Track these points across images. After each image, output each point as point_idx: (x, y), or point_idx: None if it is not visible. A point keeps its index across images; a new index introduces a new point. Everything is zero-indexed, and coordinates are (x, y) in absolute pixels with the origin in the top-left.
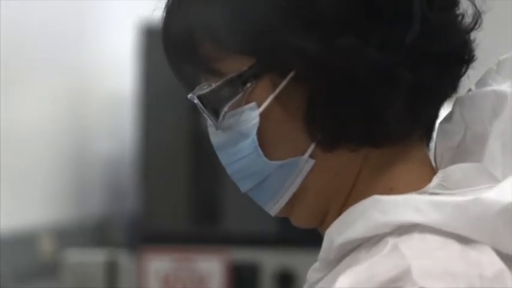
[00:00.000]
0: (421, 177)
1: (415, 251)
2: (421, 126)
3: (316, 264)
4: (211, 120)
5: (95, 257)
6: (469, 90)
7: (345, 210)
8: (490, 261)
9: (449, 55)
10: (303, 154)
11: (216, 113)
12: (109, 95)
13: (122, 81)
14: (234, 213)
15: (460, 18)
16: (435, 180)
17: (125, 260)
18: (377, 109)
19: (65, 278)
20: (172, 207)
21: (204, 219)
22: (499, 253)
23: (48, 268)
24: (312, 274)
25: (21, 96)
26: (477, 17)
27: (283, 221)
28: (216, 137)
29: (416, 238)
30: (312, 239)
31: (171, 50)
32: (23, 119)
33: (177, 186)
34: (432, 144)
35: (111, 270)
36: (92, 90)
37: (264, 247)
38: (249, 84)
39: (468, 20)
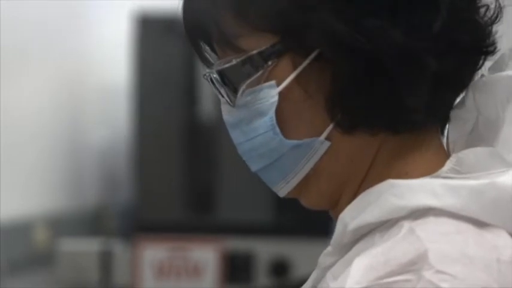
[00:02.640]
0: (436, 163)
1: (431, 235)
2: (439, 114)
3: (329, 249)
4: (228, 97)
5: (89, 246)
6: (482, 76)
7: (359, 194)
8: (507, 245)
9: (472, 46)
10: (319, 135)
11: (234, 90)
12: (104, 85)
13: (117, 71)
14: (229, 202)
15: (484, 10)
16: (448, 164)
17: (119, 249)
18: (400, 95)
19: (59, 267)
20: (166, 197)
21: (198, 208)
22: None
23: (42, 257)
24: (324, 259)
25: (16, 87)
26: (498, 9)
27: (277, 210)
28: (230, 114)
29: (432, 222)
30: (306, 228)
31: (191, 23)
32: (18, 110)
33: (172, 175)
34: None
35: (106, 260)
36: (86, 80)
37: (259, 236)
38: (270, 62)
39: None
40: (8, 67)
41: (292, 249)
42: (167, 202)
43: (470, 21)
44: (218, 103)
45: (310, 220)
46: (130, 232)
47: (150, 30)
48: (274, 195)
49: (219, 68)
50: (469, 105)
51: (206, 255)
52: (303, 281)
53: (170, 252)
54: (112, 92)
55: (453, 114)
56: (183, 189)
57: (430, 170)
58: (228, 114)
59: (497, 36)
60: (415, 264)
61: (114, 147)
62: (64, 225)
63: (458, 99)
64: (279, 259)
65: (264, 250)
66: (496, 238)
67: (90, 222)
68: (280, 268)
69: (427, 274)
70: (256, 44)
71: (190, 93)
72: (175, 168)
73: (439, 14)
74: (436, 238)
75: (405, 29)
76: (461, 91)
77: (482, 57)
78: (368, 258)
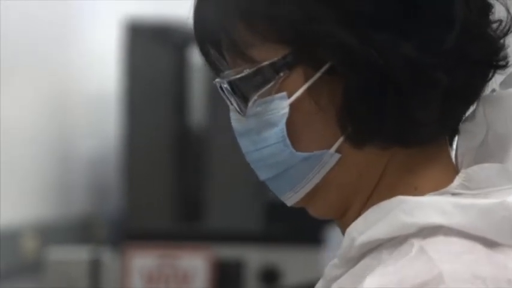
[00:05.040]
0: (445, 178)
1: (443, 255)
2: (449, 128)
3: (335, 261)
4: (238, 107)
5: (78, 255)
6: (493, 90)
7: (367, 206)
8: None
9: (484, 60)
10: (329, 148)
11: (244, 100)
12: (93, 94)
13: (106, 80)
14: (218, 211)
15: (497, 24)
16: (457, 180)
17: (108, 257)
18: (411, 109)
19: (48, 276)
20: (155, 205)
21: (187, 216)
22: None
23: (31, 266)
24: (330, 270)
25: (5, 96)
26: (510, 22)
27: (267, 218)
28: (239, 123)
29: (442, 241)
30: (296, 236)
31: (202, 31)
32: (6, 118)
33: (161, 184)
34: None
35: (95, 268)
36: (76, 88)
37: (248, 244)
38: (281, 74)
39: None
40: None
41: (282, 257)
42: (156, 210)
43: (482, 35)
44: (210, 110)
45: (300, 228)
46: (119, 240)
47: (139, 38)
48: (264, 204)
49: (230, 78)
50: (479, 119)
51: (195, 263)
52: None
53: (159, 260)
54: (101, 100)
55: (463, 127)
56: (172, 198)
57: (439, 184)
58: (237, 122)
59: (509, 50)
60: (428, 285)
61: (103, 156)
62: (53, 233)
63: (468, 112)
64: (269, 267)
65: (254, 258)
66: (507, 258)
67: (79, 231)
68: (270, 276)
69: None
70: (268, 54)
71: (180, 102)
72: (164, 176)
73: (453, 29)
74: (448, 258)
75: (417, 44)
76: (471, 104)
77: (493, 70)
78: (381, 276)
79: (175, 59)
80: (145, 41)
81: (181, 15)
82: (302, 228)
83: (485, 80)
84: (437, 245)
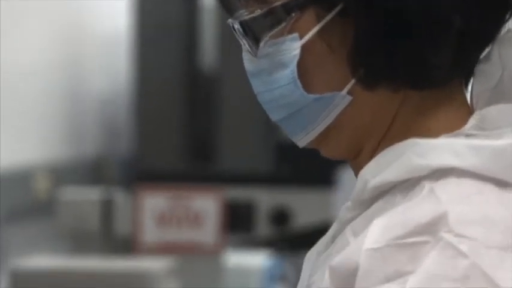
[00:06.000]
0: (459, 119)
1: (452, 196)
2: (463, 70)
3: (349, 203)
4: (250, 48)
5: (90, 195)
6: (509, 31)
7: (380, 149)
8: None
9: (500, 1)
10: (341, 90)
11: (256, 41)
12: (104, 34)
13: (117, 20)
14: (229, 152)
15: None
16: (471, 121)
17: (120, 198)
18: (424, 51)
19: (60, 216)
20: (167, 146)
21: (199, 157)
22: None
23: (43, 206)
24: (344, 213)
25: (18, 36)
26: None
27: (278, 159)
28: (251, 63)
29: (453, 182)
30: (307, 177)
31: None
32: (19, 59)
33: (172, 124)
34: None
35: (107, 208)
36: (87, 29)
37: (259, 185)
38: (293, 15)
39: None
40: (9, 15)
41: (293, 198)
42: (168, 151)
43: None
44: (221, 51)
45: (311, 170)
46: (131, 181)
47: None
48: (275, 145)
49: (242, 18)
50: (494, 60)
51: (207, 204)
52: (304, 229)
53: (171, 201)
54: (112, 41)
55: (478, 68)
56: (183, 139)
57: (453, 126)
58: (249, 62)
59: None
60: (433, 226)
61: (114, 96)
62: (65, 174)
63: (483, 54)
64: (279, 208)
65: (265, 199)
66: None
67: (91, 172)
68: (280, 217)
69: (446, 236)
70: None
71: (191, 43)
72: (176, 117)
73: None
74: (457, 199)
75: None
76: (486, 46)
77: (509, 11)
78: (388, 217)
79: None
80: None
81: None
82: (313, 169)
83: (501, 22)
84: (447, 187)
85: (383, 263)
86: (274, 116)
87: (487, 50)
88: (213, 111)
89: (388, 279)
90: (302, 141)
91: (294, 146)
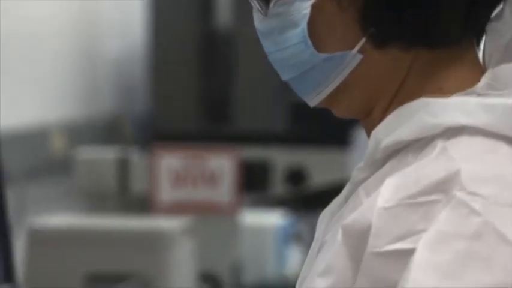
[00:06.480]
0: (472, 78)
1: (464, 154)
2: (475, 29)
3: (361, 164)
4: (260, 7)
5: (106, 154)
6: None
7: (392, 108)
8: None
9: None
10: (351, 49)
11: (266, 1)
12: None
13: None
14: (245, 111)
15: None
16: (484, 80)
17: (136, 157)
18: (434, 8)
19: (77, 175)
20: (183, 106)
21: (215, 117)
22: None
23: (59, 165)
24: (356, 173)
25: None
26: None
27: (294, 118)
28: (261, 23)
29: (465, 141)
30: (322, 137)
31: None
32: (35, 17)
33: (188, 84)
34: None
35: (123, 167)
36: None
37: (275, 145)
38: None
39: None
40: None
41: (308, 158)
42: (183, 111)
43: None
44: (236, 11)
45: (326, 129)
46: (147, 140)
47: None
48: (291, 104)
49: None
50: (506, 18)
51: (222, 164)
52: (319, 189)
53: (187, 160)
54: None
55: (490, 26)
56: (199, 98)
57: (466, 85)
58: (259, 22)
59: None
60: (446, 184)
61: (130, 55)
62: (81, 133)
63: (495, 12)
64: (295, 168)
65: (280, 159)
66: None
67: (107, 131)
68: (296, 177)
69: (458, 194)
70: None
71: (206, 2)
72: (191, 77)
73: None
74: (469, 158)
75: None
76: (497, 4)
77: None
78: (399, 177)
79: None
80: None
81: None
82: (329, 129)
83: None
84: (460, 145)
85: (396, 221)
86: (285, 76)
87: (498, 8)
88: (229, 71)
89: (401, 238)
90: (313, 100)
91: (309, 106)
